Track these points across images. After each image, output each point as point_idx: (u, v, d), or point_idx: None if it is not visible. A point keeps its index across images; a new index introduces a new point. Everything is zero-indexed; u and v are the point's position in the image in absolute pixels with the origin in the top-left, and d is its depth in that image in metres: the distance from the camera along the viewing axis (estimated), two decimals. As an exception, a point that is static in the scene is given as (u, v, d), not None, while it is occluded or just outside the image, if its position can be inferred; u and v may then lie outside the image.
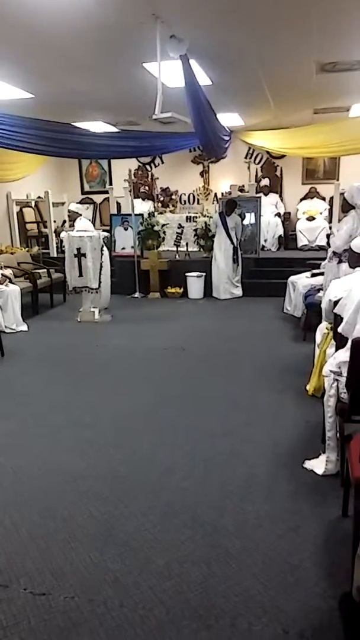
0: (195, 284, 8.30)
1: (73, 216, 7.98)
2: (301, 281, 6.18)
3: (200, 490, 2.86)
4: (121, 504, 2.74)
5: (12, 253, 8.32)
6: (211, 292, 8.27)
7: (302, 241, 9.59)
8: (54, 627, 1.96)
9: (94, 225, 8.88)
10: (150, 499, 2.79)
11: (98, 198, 11.59)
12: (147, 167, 11.29)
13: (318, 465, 3.00)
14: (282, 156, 10.41)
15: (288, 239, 10.01)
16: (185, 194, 10.94)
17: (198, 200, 10.81)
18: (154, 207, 10.24)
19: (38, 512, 2.70)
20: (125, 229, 9.02)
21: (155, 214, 9.11)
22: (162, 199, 10.51)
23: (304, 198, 10.43)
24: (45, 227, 9.98)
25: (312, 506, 2.68)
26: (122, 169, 9.81)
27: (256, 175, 10.73)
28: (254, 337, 5.99)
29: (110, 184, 11.13)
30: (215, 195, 10.77)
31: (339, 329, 2.92)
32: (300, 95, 7.12)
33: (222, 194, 10.53)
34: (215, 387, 4.47)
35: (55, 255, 9.40)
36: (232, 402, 4.11)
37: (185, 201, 10.87)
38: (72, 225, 8.07)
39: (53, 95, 6.60)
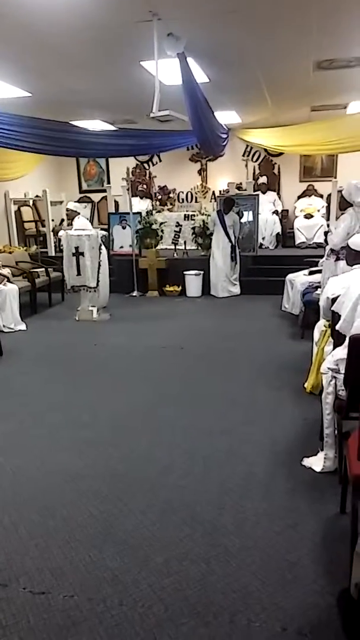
0: (193, 282, 8.30)
1: (71, 215, 7.99)
2: (299, 279, 6.19)
3: (199, 488, 2.87)
4: (120, 503, 2.75)
5: (10, 252, 8.32)
6: (209, 290, 8.28)
7: (299, 239, 9.60)
8: (53, 626, 1.97)
9: (91, 223, 8.86)
10: (149, 497, 2.80)
11: (96, 197, 11.59)
12: (145, 165, 11.28)
13: (316, 462, 3.01)
14: (280, 154, 10.42)
15: (286, 236, 10.03)
16: (183, 192, 10.93)
17: (196, 198, 10.81)
18: (152, 205, 10.22)
19: (37, 511, 2.70)
20: (124, 228, 9.01)
21: (153, 212, 9.10)
22: (160, 197, 10.50)
23: (302, 196, 10.44)
24: (43, 226, 9.98)
25: (310, 503, 2.69)
26: (120, 167, 9.79)
27: (254, 173, 10.74)
28: (252, 335, 6.00)
29: (108, 182, 11.12)
30: (213, 193, 10.76)
31: (337, 327, 2.92)
32: (298, 92, 7.12)
33: (220, 192, 10.53)
34: (213, 385, 4.48)
35: (53, 254, 9.39)
36: (231, 400, 4.12)
37: (183, 199, 10.87)
38: (70, 224, 8.06)
39: (50, 94, 6.60)
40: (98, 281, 6.84)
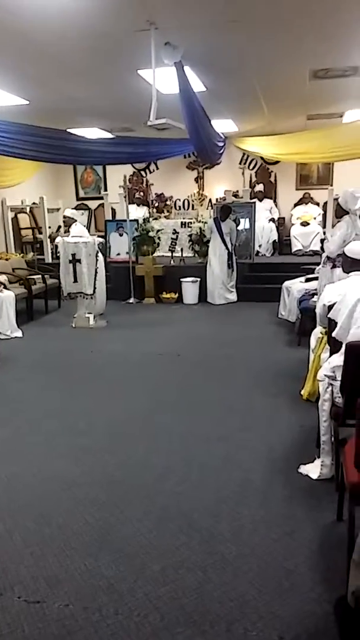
0: (190, 289, 8.31)
1: (68, 222, 7.99)
2: (295, 286, 6.20)
3: (196, 495, 2.86)
4: (116, 510, 2.73)
5: (7, 259, 8.32)
6: (206, 297, 8.29)
7: (296, 246, 9.62)
8: (48, 636, 1.95)
9: (88, 231, 8.88)
10: (146, 504, 2.78)
11: (93, 204, 11.61)
12: (142, 173, 11.32)
13: (313, 469, 3.00)
14: (276, 162, 10.48)
15: (282, 244, 10.06)
16: (180, 200, 10.97)
17: (193, 205, 10.84)
18: (149, 212, 10.26)
19: (32, 519, 2.68)
20: (120, 235, 9.04)
21: (150, 219, 9.12)
22: (157, 204, 10.53)
23: (298, 203, 10.48)
24: (40, 233, 9.98)
25: (307, 511, 2.68)
26: (117, 175, 9.82)
27: (250, 181, 10.78)
28: (248, 342, 6.00)
29: (105, 190, 11.15)
30: (210, 200, 10.81)
31: (333, 334, 2.93)
32: (294, 101, 7.18)
33: (217, 199, 10.57)
34: (210, 392, 4.47)
35: (50, 261, 9.38)
36: (227, 407, 4.11)
37: (180, 207, 10.90)
38: (67, 231, 8.07)
39: (48, 102, 6.62)
40: (95, 288, 6.84)
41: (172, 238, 9.13)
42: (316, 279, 5.68)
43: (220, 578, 2.21)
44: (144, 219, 9.08)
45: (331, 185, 9.81)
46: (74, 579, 2.24)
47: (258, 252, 9.53)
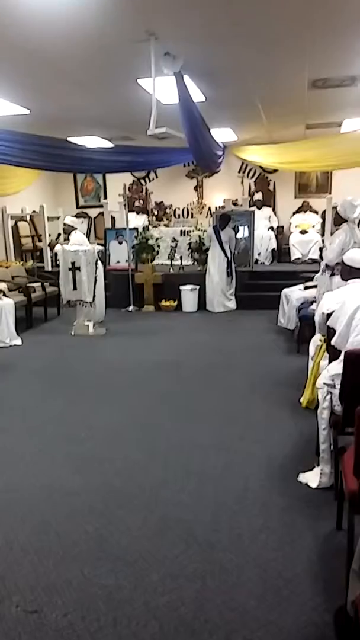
0: (189, 297, 8.32)
1: (68, 230, 8.02)
2: (294, 294, 6.22)
3: (195, 503, 2.85)
4: (115, 519, 2.72)
5: (6, 267, 8.33)
6: (205, 305, 8.30)
7: (295, 254, 9.66)
8: (46, 645, 1.94)
9: (88, 239, 8.91)
10: (145, 513, 2.77)
11: (93, 212, 11.66)
12: (142, 181, 11.37)
13: (312, 478, 3.00)
14: (275, 170, 10.54)
15: (281, 252, 10.08)
16: (179, 208, 11.02)
17: (192, 214, 10.89)
18: (149, 221, 10.30)
19: (31, 528, 2.67)
20: (120, 243, 9.07)
21: (150, 227, 9.16)
22: (156, 213, 10.59)
23: (297, 212, 10.53)
24: (40, 240, 10.01)
25: (307, 519, 2.67)
26: (117, 183, 9.88)
27: (249, 190, 10.84)
28: (247, 350, 6.00)
29: (105, 198, 11.20)
30: (209, 209, 10.86)
31: (332, 342, 2.93)
32: (293, 111, 7.23)
33: (216, 208, 10.62)
34: (209, 400, 4.46)
35: (49, 269, 9.41)
36: (226, 415, 4.11)
37: (179, 215, 10.95)
38: (67, 239, 8.10)
39: (49, 111, 6.67)
40: (94, 296, 6.86)
41: (171, 246, 9.16)
42: (315, 286, 5.70)
43: (219, 587, 2.20)
44: (143, 227, 9.13)
45: (330, 194, 9.86)
46: (72, 588, 2.22)
47: (257, 260, 9.56)
